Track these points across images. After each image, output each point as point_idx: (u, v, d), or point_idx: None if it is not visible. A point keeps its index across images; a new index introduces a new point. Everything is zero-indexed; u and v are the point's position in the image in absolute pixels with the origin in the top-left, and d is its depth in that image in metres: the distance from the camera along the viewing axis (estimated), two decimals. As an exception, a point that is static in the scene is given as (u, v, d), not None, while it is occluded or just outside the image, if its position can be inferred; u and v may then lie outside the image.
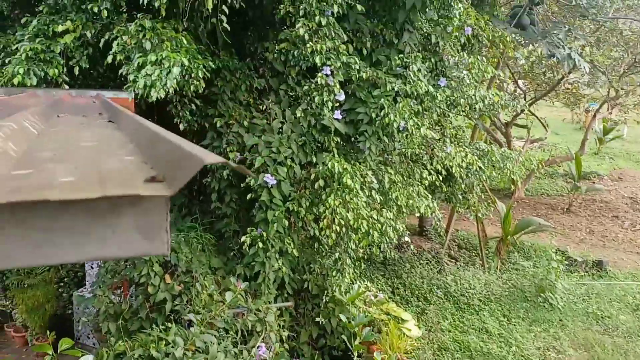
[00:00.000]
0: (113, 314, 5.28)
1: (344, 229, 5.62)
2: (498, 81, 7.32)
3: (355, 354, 5.37)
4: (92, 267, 7.15)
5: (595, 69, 13.10)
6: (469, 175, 7.40)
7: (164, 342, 4.19)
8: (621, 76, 13.96)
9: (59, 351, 3.82)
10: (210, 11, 5.11)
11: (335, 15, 5.54)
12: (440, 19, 6.49)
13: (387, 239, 6.41)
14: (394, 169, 6.59)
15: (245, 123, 5.93)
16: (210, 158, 0.69)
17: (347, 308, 6.23)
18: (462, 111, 7.07)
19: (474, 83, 6.48)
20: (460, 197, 8.19)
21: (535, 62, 14.51)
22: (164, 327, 4.58)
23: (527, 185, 15.71)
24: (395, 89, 5.83)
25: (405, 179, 6.71)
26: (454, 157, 6.75)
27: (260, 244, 5.60)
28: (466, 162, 6.80)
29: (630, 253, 12.14)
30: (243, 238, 5.60)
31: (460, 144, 7.74)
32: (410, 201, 6.48)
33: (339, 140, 5.94)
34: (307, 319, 6.66)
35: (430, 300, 9.02)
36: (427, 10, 6.13)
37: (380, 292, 7.57)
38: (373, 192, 5.77)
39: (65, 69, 5.08)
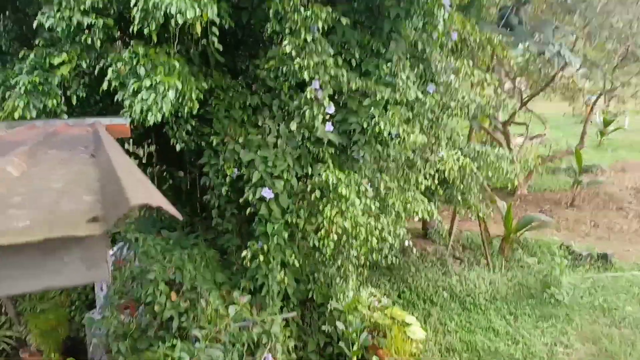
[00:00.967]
0: (122, 334, 5.38)
1: (343, 237, 5.71)
2: (489, 82, 7.38)
3: (354, 359, 5.45)
4: (101, 289, 7.28)
5: (589, 62, 13.16)
6: (465, 177, 7.46)
7: (169, 358, 4.28)
8: (615, 68, 13.98)
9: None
10: (200, 34, 5.24)
11: (321, 30, 5.65)
12: (425, 26, 6.58)
13: (388, 244, 6.50)
14: (390, 175, 6.68)
15: (241, 140, 6.04)
16: (138, 199, 0.79)
17: (346, 315, 6.32)
18: (455, 114, 7.15)
19: (462, 87, 6.56)
20: (459, 198, 8.25)
21: (530, 60, 14.61)
22: (170, 344, 4.67)
23: (530, 182, 15.73)
24: (385, 97, 5.94)
25: (401, 184, 6.79)
26: (446, 161, 6.83)
27: (262, 257, 5.71)
28: (459, 165, 6.87)
29: (635, 244, 12.13)
30: (244, 252, 5.70)
31: (455, 146, 7.82)
32: (408, 206, 6.57)
33: (333, 151, 6.05)
34: (313, 328, 6.75)
35: (436, 302, 9.08)
36: (411, 18, 6.24)
37: (385, 297, 7.64)
38: (368, 200, 5.84)
39: (63, 99, 5.23)
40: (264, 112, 6.31)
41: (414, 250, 8.18)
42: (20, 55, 5.46)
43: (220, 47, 5.41)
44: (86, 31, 5.11)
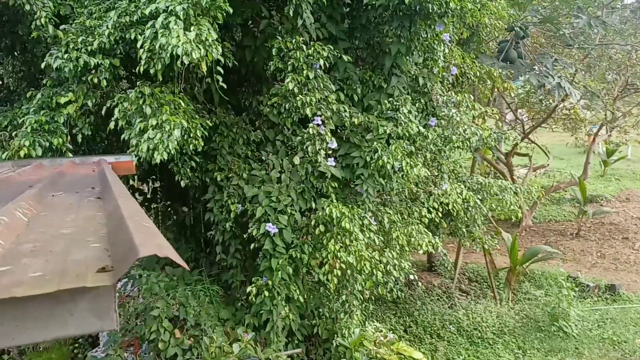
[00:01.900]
0: (125, 373, 5.33)
1: (348, 272, 5.69)
2: (490, 114, 7.47)
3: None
4: (105, 326, 7.23)
5: (589, 93, 13.28)
6: (469, 209, 7.47)
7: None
8: (615, 99, 14.11)
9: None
10: (205, 73, 5.33)
11: (323, 67, 5.76)
12: (426, 62, 6.71)
13: (393, 278, 6.47)
14: (393, 208, 6.70)
15: (245, 175, 6.10)
16: (147, 250, 0.82)
17: (352, 352, 6.24)
18: (457, 147, 7.20)
19: (463, 120, 6.63)
20: (464, 230, 8.24)
21: (530, 92, 14.77)
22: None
23: (534, 213, 15.69)
24: (388, 131, 6.01)
25: (404, 218, 6.80)
26: (449, 194, 6.86)
27: (266, 293, 5.68)
28: (462, 197, 6.90)
29: (643, 274, 12.00)
30: (248, 288, 5.69)
31: (458, 178, 7.85)
32: (412, 239, 6.56)
33: (336, 185, 6.09)
34: (319, 364, 6.66)
35: (443, 337, 8.96)
36: (412, 54, 6.36)
37: (391, 332, 7.55)
38: (372, 234, 5.85)
39: (68, 138, 5.30)
40: (268, 148, 6.38)
41: (420, 283, 8.15)
42: (27, 95, 5.57)
43: (225, 85, 5.50)
44: (93, 71, 5.23)
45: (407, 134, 6.08)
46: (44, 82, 5.59)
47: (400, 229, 6.50)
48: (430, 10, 5.51)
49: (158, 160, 4.89)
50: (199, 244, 7.33)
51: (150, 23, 4.71)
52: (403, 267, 6.42)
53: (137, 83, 5.27)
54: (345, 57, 5.94)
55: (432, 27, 6.04)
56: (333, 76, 6.24)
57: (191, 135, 5.30)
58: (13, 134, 5.43)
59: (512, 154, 14.53)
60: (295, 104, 5.66)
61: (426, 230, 6.77)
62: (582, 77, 13.43)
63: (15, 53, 6.48)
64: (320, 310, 6.72)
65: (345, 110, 5.92)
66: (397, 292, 7.13)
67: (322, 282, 6.06)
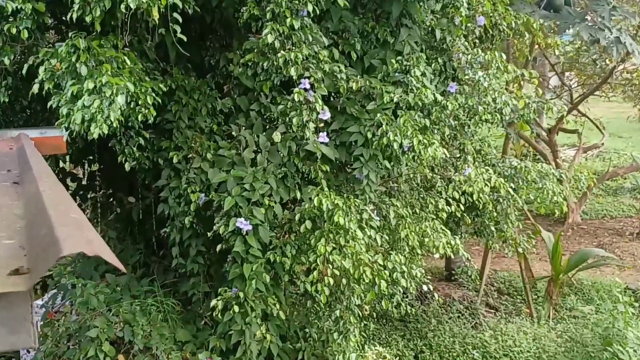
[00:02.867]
0: (54, 409, 5.36)
1: (343, 281, 5.73)
2: (529, 79, 7.48)
3: None
4: (28, 352, 7.25)
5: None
6: (499, 201, 7.51)
7: None
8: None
9: None
10: (157, 21, 5.29)
11: (312, 14, 5.73)
12: (445, 9, 6.71)
13: (401, 289, 6.52)
14: (401, 200, 6.73)
15: (209, 155, 6.10)
16: (72, 247, 0.83)
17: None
18: (484, 120, 7.22)
19: (493, 86, 6.64)
20: (492, 229, 8.29)
21: (581, 49, 14.79)
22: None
23: (584, 206, 15.80)
24: (395, 100, 6.03)
25: (416, 211, 6.84)
26: (474, 182, 6.88)
27: (237, 308, 5.70)
28: (490, 185, 6.92)
29: None
30: (214, 301, 5.71)
31: (485, 161, 7.89)
32: (426, 239, 6.60)
33: (328, 169, 6.10)
34: (305, 399, 6.72)
35: (465, 365, 9.06)
36: (427, -1, 6.35)
37: (397, 358, 7.63)
38: (374, 232, 5.88)
39: (-21, 106, 5.27)
40: (239, 120, 6.38)
41: (435, 296, 8.18)
42: None
43: (184, 38, 5.47)
44: (10, 18, 5.18)
45: (419, 104, 6.10)
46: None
47: (411, 226, 6.54)
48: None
49: (96, 136, 4.88)
50: (149, 244, 7.34)
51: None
52: (414, 275, 6.47)
53: (69, 34, 5.23)
54: (340, 1, 5.91)
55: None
56: (325, 27, 6.23)
57: (139, 102, 5.28)
58: None
59: (557, 130, 14.59)
60: (275, 63, 5.64)
61: (444, 227, 6.81)
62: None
63: None
64: (307, 330, 6.77)
65: (340, 72, 5.91)
66: (405, 307, 7.19)
67: (310, 294, 6.10)
